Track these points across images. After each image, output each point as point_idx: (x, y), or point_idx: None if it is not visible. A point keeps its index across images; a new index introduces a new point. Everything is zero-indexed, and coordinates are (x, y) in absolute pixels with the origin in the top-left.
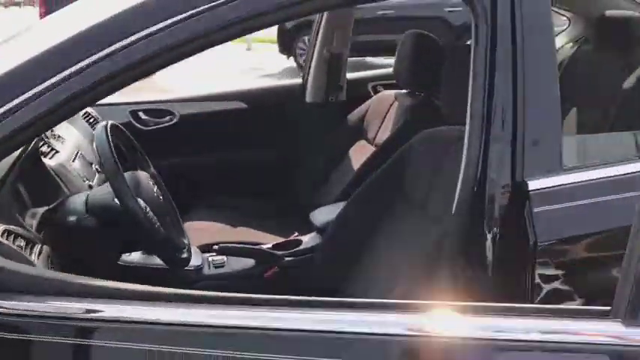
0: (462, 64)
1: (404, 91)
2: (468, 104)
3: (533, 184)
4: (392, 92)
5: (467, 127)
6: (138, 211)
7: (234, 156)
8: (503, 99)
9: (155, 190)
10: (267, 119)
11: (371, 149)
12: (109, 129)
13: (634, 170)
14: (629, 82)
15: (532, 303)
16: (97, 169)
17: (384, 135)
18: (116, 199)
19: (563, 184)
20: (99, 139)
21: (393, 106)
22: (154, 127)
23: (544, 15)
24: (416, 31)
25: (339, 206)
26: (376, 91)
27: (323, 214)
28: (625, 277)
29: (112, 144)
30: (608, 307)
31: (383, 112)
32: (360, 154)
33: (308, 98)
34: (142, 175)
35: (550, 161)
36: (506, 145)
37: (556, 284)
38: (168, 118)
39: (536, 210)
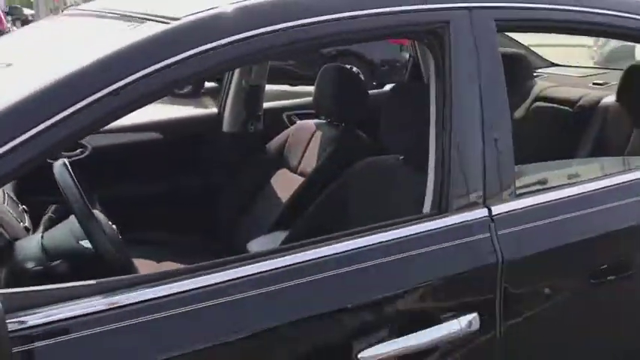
0: (404, 101)
1: (324, 121)
2: (432, 138)
3: (495, 209)
4: (311, 122)
5: (431, 157)
6: (110, 250)
7: (151, 189)
8: (464, 133)
9: (114, 228)
10: (185, 150)
11: (295, 177)
12: (69, 167)
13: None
14: (518, 114)
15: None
16: (24, 208)
17: (308, 163)
18: (82, 241)
19: (518, 208)
20: (62, 178)
21: (315, 135)
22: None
23: (494, 55)
24: (336, 64)
25: (278, 235)
26: (291, 121)
27: (261, 244)
28: None
29: (77, 183)
30: None
31: (304, 140)
32: (283, 182)
33: (225, 128)
34: (100, 214)
35: (508, 188)
36: (469, 175)
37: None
38: (79, 151)
39: (500, 232)
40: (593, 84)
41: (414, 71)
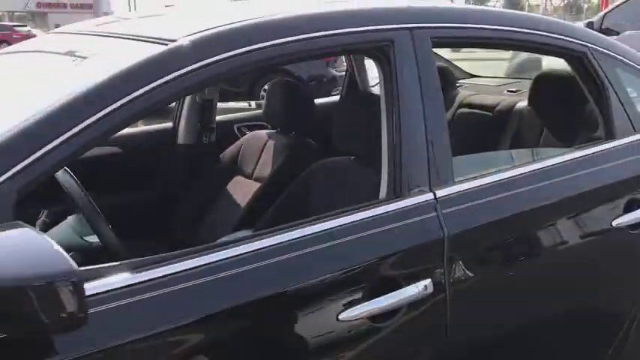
0: (353, 109)
1: (274, 131)
2: (384, 136)
3: (439, 193)
4: (263, 132)
5: (384, 153)
6: (115, 242)
7: (110, 201)
8: (411, 131)
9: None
10: (142, 162)
11: (251, 183)
12: (69, 171)
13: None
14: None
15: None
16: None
17: (263, 169)
18: (86, 237)
19: (457, 192)
20: (66, 180)
21: (267, 144)
22: None
23: (431, 67)
24: (283, 79)
25: (242, 233)
26: (242, 132)
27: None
28: None
29: (80, 184)
30: None
31: (258, 149)
32: (239, 188)
33: (180, 140)
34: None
35: (448, 176)
36: (416, 166)
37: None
38: None
39: (444, 211)
40: (508, 91)
41: (350, 83)
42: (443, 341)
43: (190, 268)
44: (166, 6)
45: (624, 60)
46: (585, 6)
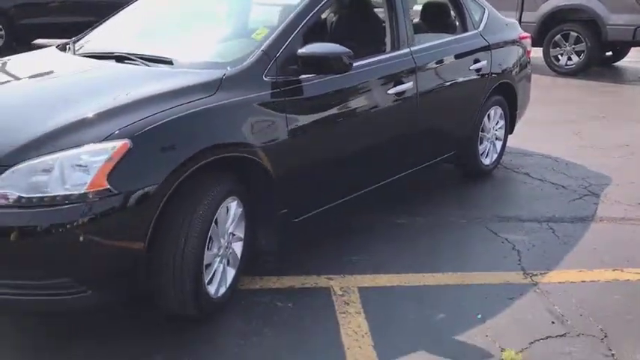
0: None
1: None
2: (387, 26)
3: (412, 48)
4: None
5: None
6: None
7: None
8: (400, 24)
9: None
10: None
11: None
12: None
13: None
14: None
15: None
16: None
17: None
18: None
19: (417, 48)
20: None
21: None
22: None
23: None
24: None
25: None
26: None
27: None
28: None
29: None
30: None
31: None
32: None
33: None
34: None
35: (412, 42)
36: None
37: (421, 77)
38: None
39: (414, 55)
40: None
41: None
42: (415, 112)
43: None
44: None
45: None
46: None
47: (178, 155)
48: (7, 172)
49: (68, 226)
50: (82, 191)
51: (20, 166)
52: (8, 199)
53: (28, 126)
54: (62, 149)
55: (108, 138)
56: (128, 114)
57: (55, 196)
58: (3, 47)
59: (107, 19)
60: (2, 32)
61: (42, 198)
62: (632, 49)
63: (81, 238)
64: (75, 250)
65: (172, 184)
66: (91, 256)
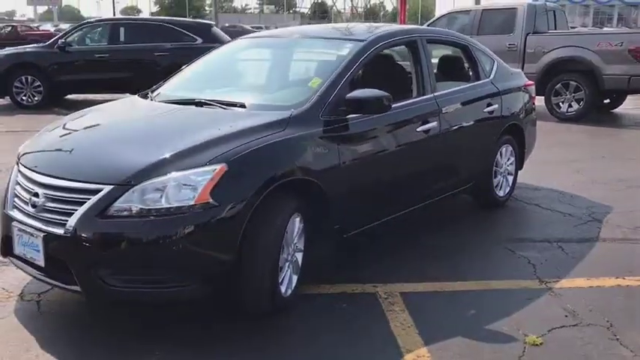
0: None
1: None
2: (414, 83)
3: (435, 94)
4: None
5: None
6: None
7: None
8: (425, 79)
9: None
10: None
11: None
12: None
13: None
14: None
15: None
16: None
17: None
18: None
19: (439, 94)
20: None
21: None
22: None
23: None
24: None
25: None
26: None
27: None
28: None
29: None
30: None
31: None
32: None
33: None
34: None
35: (434, 88)
36: (426, 86)
37: (443, 119)
38: None
39: (437, 100)
40: None
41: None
42: (440, 147)
43: None
44: None
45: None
46: (382, 13)
47: (262, 177)
48: (129, 191)
49: (180, 231)
50: (191, 203)
51: (144, 184)
52: (132, 211)
53: (144, 155)
54: (175, 171)
55: (210, 162)
56: (222, 145)
57: (170, 208)
58: (41, 102)
59: (176, 74)
60: (41, 88)
61: (159, 209)
62: (629, 97)
63: (189, 241)
64: (186, 251)
65: (257, 199)
66: (196, 255)
